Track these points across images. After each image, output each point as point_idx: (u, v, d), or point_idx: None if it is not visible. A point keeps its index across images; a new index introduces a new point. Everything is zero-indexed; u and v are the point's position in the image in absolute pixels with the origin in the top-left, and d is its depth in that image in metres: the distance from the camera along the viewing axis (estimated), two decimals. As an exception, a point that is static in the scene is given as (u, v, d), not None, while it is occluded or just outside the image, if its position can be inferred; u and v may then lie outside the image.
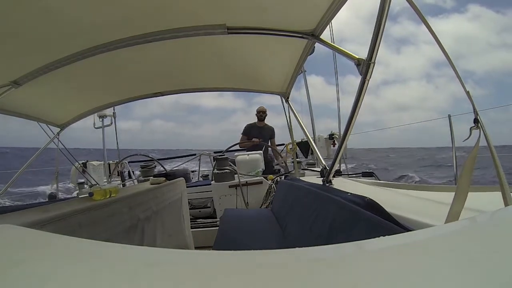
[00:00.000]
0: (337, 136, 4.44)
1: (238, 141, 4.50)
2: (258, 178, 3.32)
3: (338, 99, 4.55)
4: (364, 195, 1.06)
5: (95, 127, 4.93)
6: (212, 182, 3.38)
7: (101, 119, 4.93)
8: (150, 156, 5.22)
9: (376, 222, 0.87)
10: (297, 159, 3.66)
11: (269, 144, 4.50)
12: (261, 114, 4.54)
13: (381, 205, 0.95)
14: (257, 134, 4.44)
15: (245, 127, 4.57)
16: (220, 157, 3.47)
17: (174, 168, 4.88)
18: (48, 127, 2.93)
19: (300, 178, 2.68)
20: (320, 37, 1.72)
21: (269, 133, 4.62)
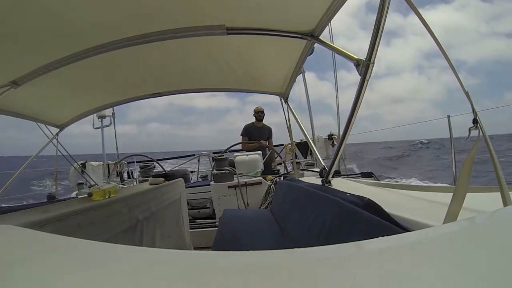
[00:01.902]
0: (336, 137, 4.45)
1: (239, 142, 4.44)
2: (257, 178, 3.32)
3: (337, 97, 4.54)
4: (363, 196, 1.06)
5: (94, 128, 4.93)
6: (211, 182, 3.38)
7: (100, 120, 4.93)
8: (149, 156, 5.22)
9: (375, 222, 0.87)
10: (296, 160, 3.66)
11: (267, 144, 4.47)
12: (260, 114, 4.50)
13: (380, 205, 0.95)
14: (256, 135, 4.42)
15: (244, 128, 4.53)
16: (219, 157, 3.47)
17: (173, 169, 4.87)
18: (47, 127, 2.93)
19: (299, 178, 2.68)
20: (320, 37, 1.72)
21: (267, 133, 4.59)
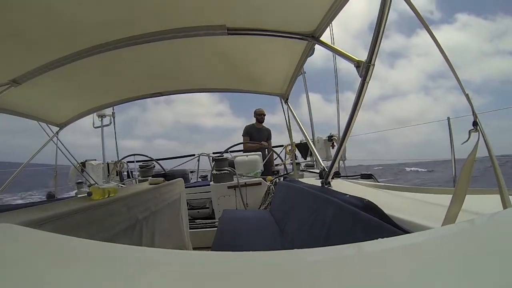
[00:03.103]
0: (336, 138, 4.44)
1: (240, 142, 4.47)
2: (257, 179, 3.32)
3: (337, 97, 4.54)
4: (363, 197, 1.06)
5: (94, 127, 4.94)
6: (211, 182, 3.38)
7: (100, 119, 4.94)
8: (149, 156, 5.22)
9: (374, 224, 0.87)
10: (296, 161, 3.66)
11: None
12: (262, 116, 4.56)
13: (380, 207, 0.95)
14: (256, 135, 4.44)
15: (245, 128, 4.56)
16: (219, 157, 3.47)
17: (173, 169, 4.87)
18: (48, 126, 2.94)
19: (299, 179, 2.68)
20: (320, 39, 1.73)
21: (266, 134, 4.62)
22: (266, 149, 4.37)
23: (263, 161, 3.84)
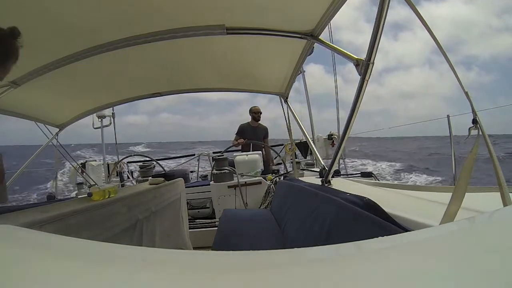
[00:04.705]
0: (336, 137, 4.44)
1: (231, 145, 4.46)
2: (257, 178, 3.32)
3: (337, 100, 4.56)
4: (363, 195, 1.06)
5: (94, 128, 4.93)
6: (211, 182, 3.38)
7: (100, 120, 4.93)
8: (149, 156, 5.22)
9: (374, 222, 0.87)
10: (296, 160, 3.66)
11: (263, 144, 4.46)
12: (259, 114, 4.51)
13: (380, 205, 0.95)
14: (251, 134, 4.40)
15: (239, 128, 4.53)
16: (219, 157, 3.47)
17: (173, 169, 4.88)
18: (46, 127, 2.93)
19: (299, 178, 2.68)
20: (319, 37, 1.73)
21: (263, 133, 4.57)
22: (264, 148, 4.35)
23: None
